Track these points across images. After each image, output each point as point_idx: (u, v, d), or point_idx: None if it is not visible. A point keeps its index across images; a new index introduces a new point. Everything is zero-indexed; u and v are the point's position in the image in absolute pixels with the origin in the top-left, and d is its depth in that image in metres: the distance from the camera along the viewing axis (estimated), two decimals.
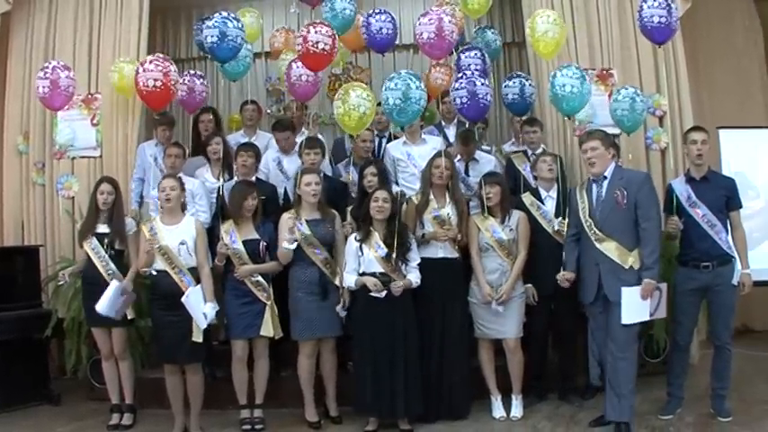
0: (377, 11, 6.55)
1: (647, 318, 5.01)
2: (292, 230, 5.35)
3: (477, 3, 6.56)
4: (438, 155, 5.64)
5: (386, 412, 5.28)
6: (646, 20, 5.76)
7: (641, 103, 5.99)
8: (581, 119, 6.41)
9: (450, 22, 5.92)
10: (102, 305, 5.34)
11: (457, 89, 5.97)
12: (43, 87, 6.20)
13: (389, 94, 5.61)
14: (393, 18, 6.59)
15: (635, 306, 4.89)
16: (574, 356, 5.88)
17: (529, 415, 5.55)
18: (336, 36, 6.14)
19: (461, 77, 5.98)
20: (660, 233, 5.11)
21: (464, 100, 5.93)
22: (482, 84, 5.91)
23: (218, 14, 5.88)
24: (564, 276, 5.25)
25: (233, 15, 5.99)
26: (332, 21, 6.40)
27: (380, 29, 6.44)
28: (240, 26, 5.96)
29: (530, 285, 5.60)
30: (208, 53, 6.30)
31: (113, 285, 5.40)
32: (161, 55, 6.31)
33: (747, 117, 7.96)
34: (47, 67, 6.28)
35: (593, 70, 6.64)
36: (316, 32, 5.95)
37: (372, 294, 5.19)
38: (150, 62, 6.06)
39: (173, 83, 6.10)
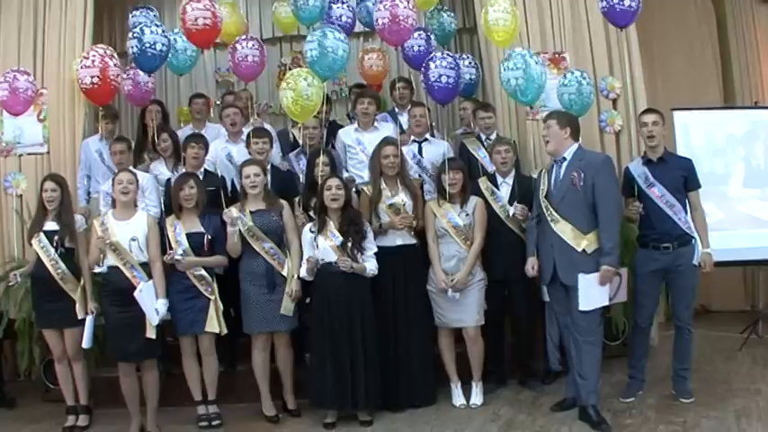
0: None
1: (606, 303, 5.01)
2: (234, 221, 5.29)
3: None
4: (384, 143, 5.61)
5: (346, 404, 5.22)
6: (616, 2, 5.74)
7: (588, 86, 5.97)
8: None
9: (405, 8, 5.83)
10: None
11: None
12: (2, 91, 6.00)
13: (308, 47, 5.56)
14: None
15: (593, 292, 4.87)
16: (531, 341, 5.86)
17: (490, 401, 5.55)
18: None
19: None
20: (619, 218, 5.10)
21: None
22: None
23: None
24: (530, 264, 5.22)
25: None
26: (299, 13, 6.26)
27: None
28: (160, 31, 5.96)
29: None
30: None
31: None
32: (101, 47, 6.15)
33: (701, 98, 7.99)
34: (8, 74, 6.08)
35: (546, 54, 6.61)
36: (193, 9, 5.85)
37: (342, 268, 5.14)
38: (87, 58, 5.89)
39: (112, 78, 5.89)
